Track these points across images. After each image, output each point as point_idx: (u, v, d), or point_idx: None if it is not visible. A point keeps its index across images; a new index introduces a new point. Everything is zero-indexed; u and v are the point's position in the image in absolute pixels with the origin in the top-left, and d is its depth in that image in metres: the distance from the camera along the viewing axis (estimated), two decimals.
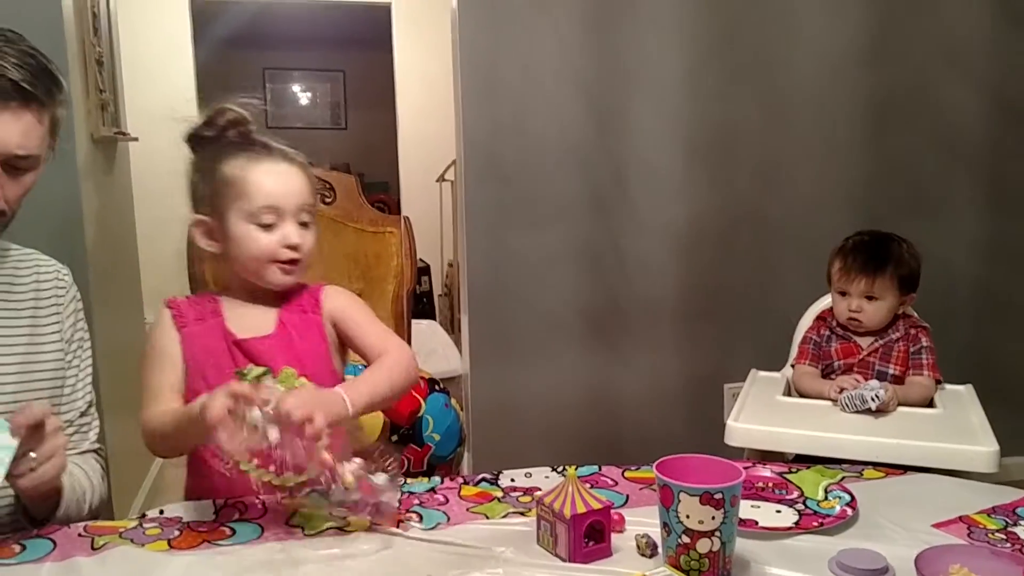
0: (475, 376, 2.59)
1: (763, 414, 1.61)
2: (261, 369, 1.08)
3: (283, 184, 1.27)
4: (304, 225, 1.28)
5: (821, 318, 1.88)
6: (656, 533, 1.00)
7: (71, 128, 2.22)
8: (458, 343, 3.11)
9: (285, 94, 7.59)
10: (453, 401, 1.39)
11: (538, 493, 1.03)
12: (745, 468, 1.17)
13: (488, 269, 2.57)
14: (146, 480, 2.87)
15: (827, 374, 1.80)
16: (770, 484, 1.21)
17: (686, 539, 0.93)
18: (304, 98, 7.80)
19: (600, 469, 1.28)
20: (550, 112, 2.52)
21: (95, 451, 1.29)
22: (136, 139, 2.73)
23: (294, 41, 6.69)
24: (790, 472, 1.25)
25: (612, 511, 1.03)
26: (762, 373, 1.89)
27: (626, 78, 2.54)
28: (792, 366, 1.86)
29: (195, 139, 1.32)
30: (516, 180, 2.54)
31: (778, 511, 1.13)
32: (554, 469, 1.27)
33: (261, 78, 7.12)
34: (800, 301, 2.11)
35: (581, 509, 0.98)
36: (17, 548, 1.04)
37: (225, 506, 1.15)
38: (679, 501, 0.92)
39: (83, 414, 1.28)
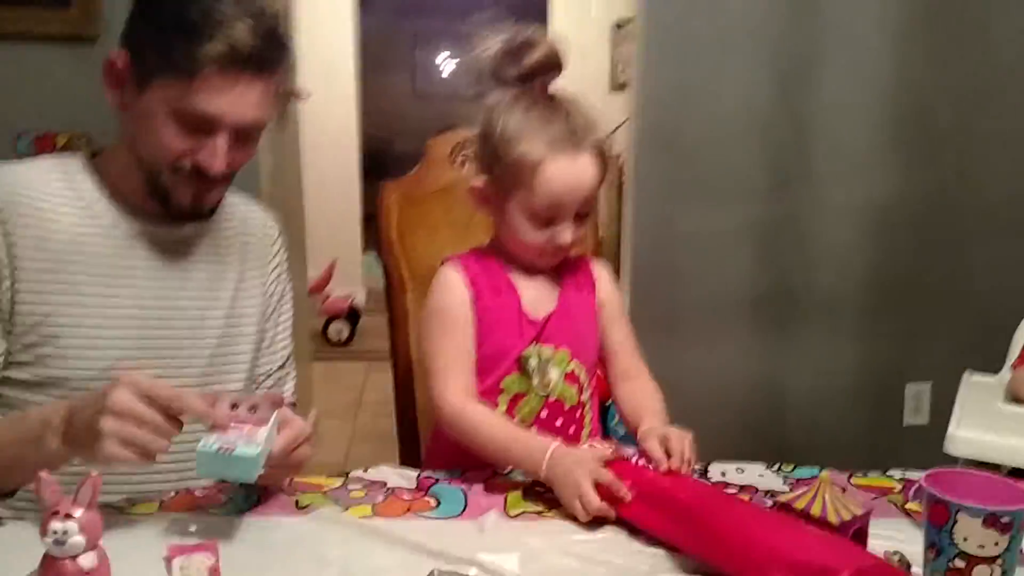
0: None
1: (987, 423, 1.44)
2: (548, 353, 1.09)
3: (575, 181, 1.09)
4: (581, 218, 1.13)
5: None
6: (910, 551, 0.88)
7: None
8: None
9: (434, 62, 7.64)
10: None
11: (783, 497, 0.93)
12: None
13: (654, 247, 2.47)
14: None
15: None
16: None
17: (960, 564, 0.81)
18: (449, 66, 7.83)
19: (821, 471, 1.16)
20: (733, 79, 2.36)
21: (292, 404, 1.27)
22: (309, 96, 2.75)
23: (447, 8, 6.68)
24: None
25: None
26: (976, 376, 1.71)
27: (819, 44, 2.35)
28: (1013, 368, 1.67)
29: (495, 73, 1.12)
30: (690, 152, 2.40)
31: None
32: (768, 467, 1.16)
33: (412, 45, 7.19)
34: (1004, 299, 1.91)
35: (846, 516, 0.87)
36: (223, 498, 1.02)
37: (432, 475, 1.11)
38: (956, 521, 0.80)
39: (281, 367, 1.27)
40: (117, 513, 0.96)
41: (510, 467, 1.09)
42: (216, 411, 0.91)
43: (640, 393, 1.21)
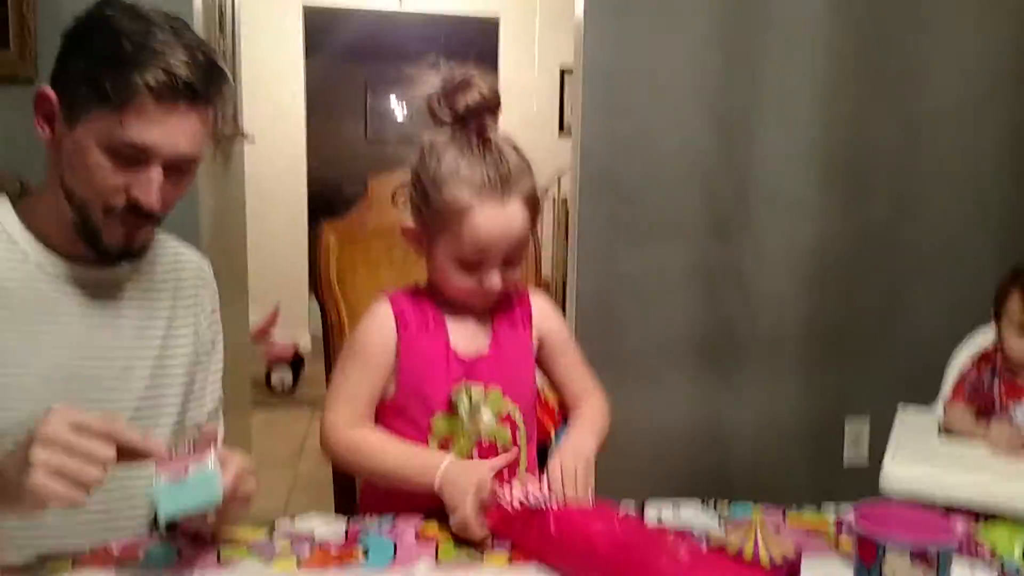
0: None
1: (922, 457, 1.46)
2: (479, 393, 1.08)
3: (502, 229, 1.08)
4: (510, 263, 1.12)
5: (985, 358, 1.71)
6: None
7: None
8: None
9: (385, 107, 7.65)
10: None
11: (715, 540, 0.92)
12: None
13: (598, 290, 2.47)
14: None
15: (984, 415, 1.64)
16: None
17: None
18: (400, 111, 7.85)
19: (755, 508, 1.15)
20: (673, 127, 2.41)
21: None
22: (253, 140, 2.73)
23: (398, 55, 6.72)
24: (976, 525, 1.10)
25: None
26: (911, 409, 1.74)
27: (755, 93, 2.42)
28: (946, 403, 1.71)
29: (431, 112, 1.12)
30: (632, 197, 2.43)
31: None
32: (704, 503, 1.15)
33: (363, 90, 7.21)
34: (934, 337, 1.95)
35: (778, 557, 0.86)
36: (141, 554, 0.98)
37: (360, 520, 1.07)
38: (884, 558, 0.80)
39: (211, 416, 1.23)
40: (26, 572, 0.91)
41: (405, 486, 1.07)
42: (151, 442, 0.88)
43: (583, 408, 1.24)
